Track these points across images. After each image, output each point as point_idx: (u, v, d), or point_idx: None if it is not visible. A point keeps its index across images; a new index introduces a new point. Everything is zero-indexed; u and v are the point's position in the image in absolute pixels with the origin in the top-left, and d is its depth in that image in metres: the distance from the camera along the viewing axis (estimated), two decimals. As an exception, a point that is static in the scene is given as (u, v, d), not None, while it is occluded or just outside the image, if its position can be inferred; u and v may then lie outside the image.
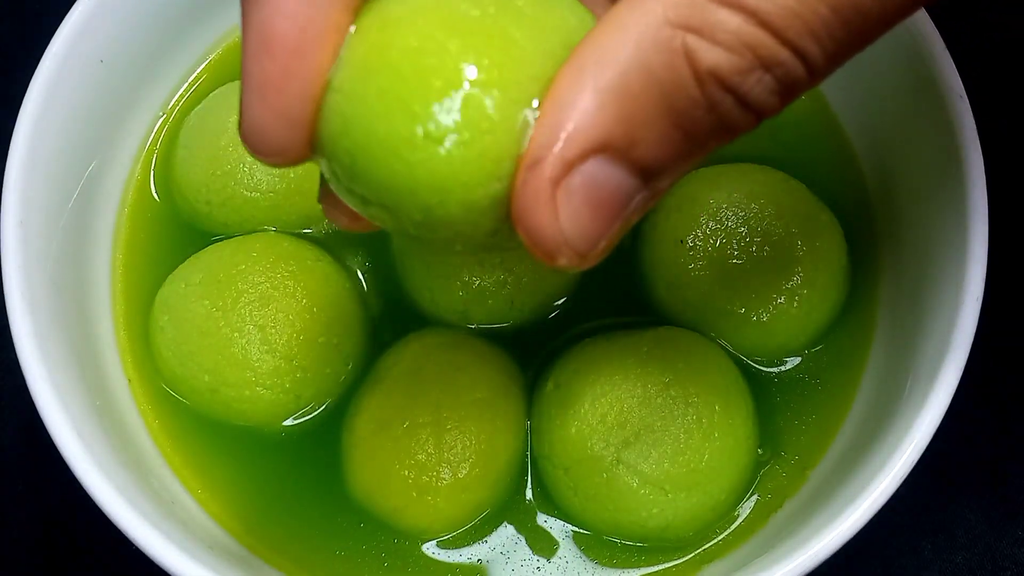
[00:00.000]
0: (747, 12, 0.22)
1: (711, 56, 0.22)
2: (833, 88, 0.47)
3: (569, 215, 0.23)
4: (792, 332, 0.43)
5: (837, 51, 0.23)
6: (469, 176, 0.24)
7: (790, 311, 0.42)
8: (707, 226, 0.43)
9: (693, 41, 0.22)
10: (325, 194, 0.29)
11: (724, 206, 0.43)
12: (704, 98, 0.23)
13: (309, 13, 0.24)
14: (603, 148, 0.23)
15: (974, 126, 0.39)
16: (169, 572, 0.34)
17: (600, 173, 0.23)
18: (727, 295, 0.42)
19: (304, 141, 0.25)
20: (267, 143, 0.25)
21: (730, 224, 0.43)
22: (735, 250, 0.42)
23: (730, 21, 0.22)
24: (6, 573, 0.48)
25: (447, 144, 0.23)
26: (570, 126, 0.23)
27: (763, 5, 0.22)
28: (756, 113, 0.24)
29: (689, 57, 0.22)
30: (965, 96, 0.39)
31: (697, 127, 0.23)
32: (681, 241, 0.43)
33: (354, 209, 0.27)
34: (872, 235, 0.45)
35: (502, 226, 0.25)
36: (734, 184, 0.44)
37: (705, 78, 0.23)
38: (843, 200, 0.45)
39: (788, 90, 0.24)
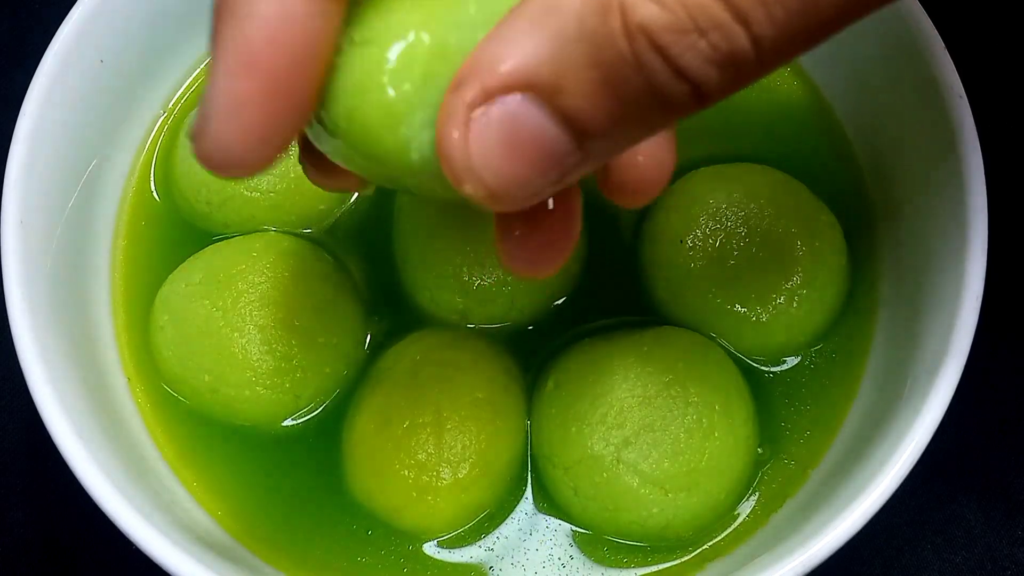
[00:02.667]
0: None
1: (643, 11, 0.21)
2: (833, 88, 0.47)
3: (480, 144, 0.23)
4: (792, 332, 0.43)
5: (789, 25, 0.22)
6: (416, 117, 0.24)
7: (790, 311, 0.42)
8: (707, 226, 0.43)
9: (627, 3, 0.22)
10: (305, 154, 0.29)
11: (724, 206, 0.43)
12: (632, 54, 0.22)
13: (293, 30, 0.24)
14: (526, 86, 0.23)
15: (974, 126, 0.39)
16: (169, 571, 0.34)
17: (521, 111, 0.23)
18: (727, 295, 0.42)
19: (275, 156, 0.25)
20: (234, 161, 0.24)
21: (730, 224, 0.43)
22: (735, 250, 0.42)
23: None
24: (6, 573, 0.48)
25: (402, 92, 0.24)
26: (496, 57, 0.23)
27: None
28: (690, 83, 0.22)
29: (622, 9, 0.22)
30: (964, 96, 0.39)
31: (626, 87, 0.22)
32: (681, 241, 0.43)
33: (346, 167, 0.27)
34: (872, 235, 0.45)
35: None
36: (734, 184, 0.44)
37: (635, 33, 0.22)
38: (843, 200, 0.45)
39: (728, 61, 0.22)
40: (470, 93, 0.23)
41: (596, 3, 0.22)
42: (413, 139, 0.25)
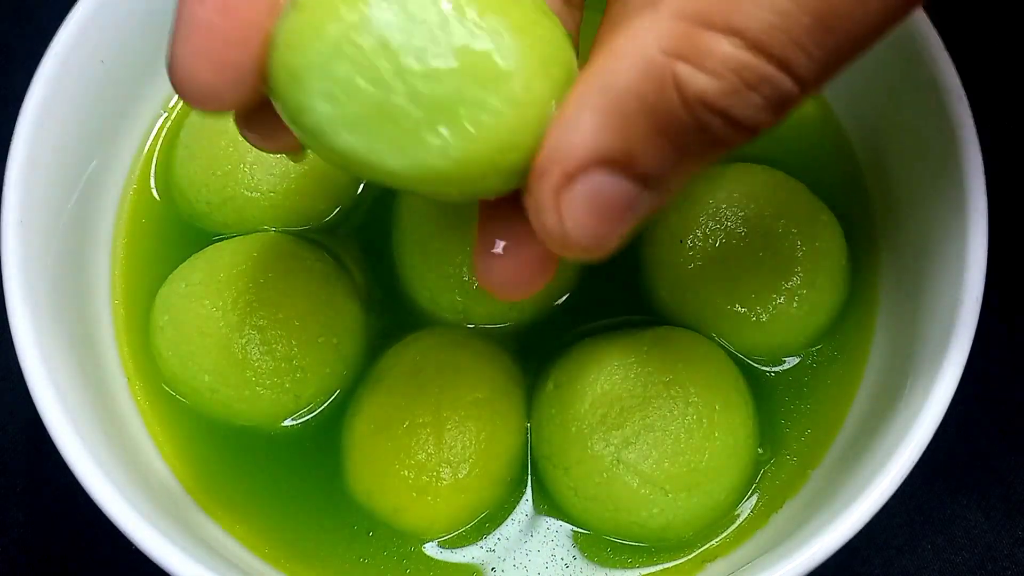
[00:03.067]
0: (735, 34, 0.23)
1: (698, 83, 0.24)
2: (833, 88, 0.47)
3: (573, 220, 0.26)
4: (792, 332, 0.43)
5: (826, 59, 0.24)
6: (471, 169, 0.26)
7: (790, 311, 0.42)
8: (707, 226, 0.43)
9: (682, 69, 0.24)
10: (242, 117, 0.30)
11: (724, 206, 0.43)
12: (693, 121, 0.24)
13: None
14: (602, 162, 0.25)
15: (973, 126, 0.39)
16: (169, 572, 0.34)
17: (603, 184, 0.26)
18: (727, 295, 0.42)
19: (239, 88, 0.26)
20: (200, 87, 0.26)
21: (730, 224, 0.43)
22: (735, 250, 0.42)
23: (718, 47, 0.24)
24: (6, 573, 0.48)
25: (445, 136, 0.25)
26: (570, 144, 0.25)
27: (750, 25, 0.23)
28: (747, 129, 0.25)
29: (678, 85, 0.24)
30: (964, 96, 0.39)
31: (689, 145, 0.25)
32: (681, 241, 0.43)
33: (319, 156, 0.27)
34: (872, 235, 0.45)
35: (487, 187, 0.27)
36: (734, 184, 0.44)
37: (693, 104, 0.24)
38: (843, 200, 0.45)
39: (778, 104, 0.25)
40: (555, 180, 0.26)
41: (651, 80, 0.24)
42: (310, 107, 0.26)
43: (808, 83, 0.25)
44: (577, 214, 0.26)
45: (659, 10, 0.24)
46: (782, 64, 0.24)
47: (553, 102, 0.26)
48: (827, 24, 0.24)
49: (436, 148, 0.25)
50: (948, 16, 0.42)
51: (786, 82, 0.24)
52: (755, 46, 0.23)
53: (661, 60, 0.24)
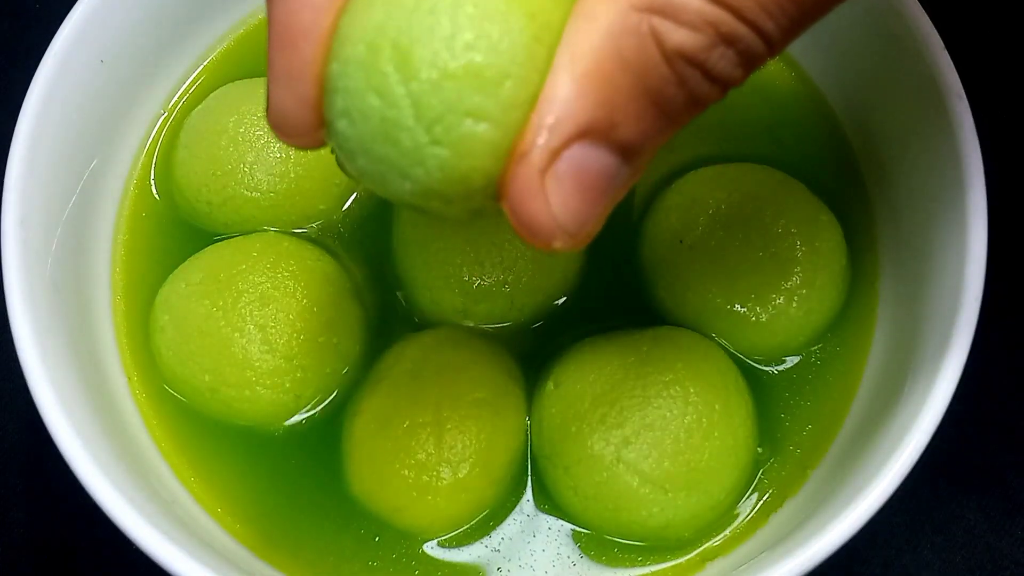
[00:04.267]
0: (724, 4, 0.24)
1: (677, 36, 0.24)
2: (832, 88, 0.47)
3: (560, 201, 0.25)
4: (792, 332, 0.43)
5: (790, 25, 0.25)
6: (461, 167, 0.26)
7: (789, 311, 0.42)
8: (707, 226, 0.43)
9: (659, 23, 0.24)
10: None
11: (724, 206, 0.43)
12: (674, 75, 0.24)
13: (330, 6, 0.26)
14: (586, 133, 0.25)
15: (973, 125, 0.39)
16: (169, 572, 0.34)
17: (585, 157, 0.25)
18: (727, 295, 0.42)
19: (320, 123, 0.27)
20: (293, 126, 0.27)
21: (730, 224, 0.43)
22: (735, 250, 0.42)
23: (691, 2, 0.24)
24: (6, 573, 0.48)
25: (435, 135, 0.25)
26: (552, 117, 0.24)
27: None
28: (722, 84, 0.25)
29: (656, 38, 0.24)
30: (964, 95, 0.39)
31: (670, 102, 0.25)
32: (681, 241, 0.43)
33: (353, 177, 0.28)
34: (872, 235, 0.45)
35: (489, 203, 0.27)
36: (734, 184, 0.44)
37: (673, 56, 0.24)
38: (843, 200, 0.45)
39: (749, 62, 0.25)
40: (538, 160, 0.25)
41: (628, 37, 0.24)
42: (334, 129, 0.27)
43: (776, 44, 0.25)
44: (564, 195, 0.25)
45: None
46: (753, 26, 0.25)
47: (539, 79, 0.25)
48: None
49: (435, 167, 0.25)
50: (947, 15, 0.42)
51: (757, 43, 0.25)
52: (724, 5, 0.24)
53: (636, 17, 0.24)
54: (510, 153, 0.25)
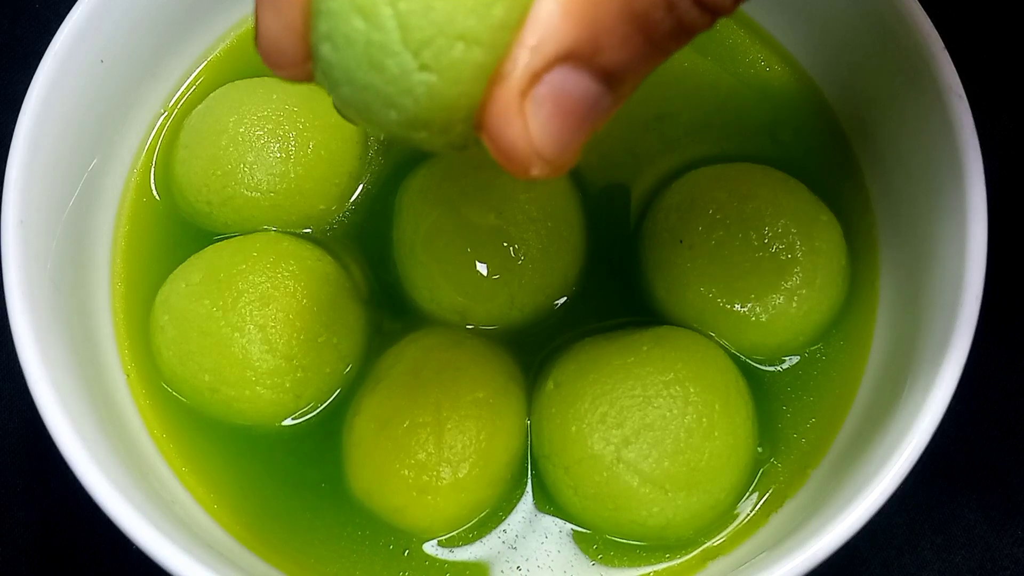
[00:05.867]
0: None
1: None
2: (832, 88, 0.47)
3: (539, 125, 0.24)
4: (792, 331, 0.43)
5: None
6: (445, 93, 0.24)
7: (789, 311, 0.42)
8: (707, 226, 0.43)
9: None
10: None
11: (724, 206, 0.43)
12: (663, 1, 0.23)
13: None
14: (568, 56, 0.24)
15: (973, 125, 0.39)
16: (169, 571, 0.34)
17: (567, 81, 0.24)
18: (727, 295, 0.42)
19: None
20: (281, 54, 0.26)
21: (730, 224, 0.43)
22: (735, 250, 0.42)
23: None
24: (6, 573, 0.48)
25: (424, 59, 0.24)
26: (534, 38, 0.23)
27: None
28: (711, 12, 0.24)
29: None
30: (964, 95, 0.39)
31: (657, 29, 0.24)
32: (681, 241, 0.43)
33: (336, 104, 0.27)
34: (872, 235, 0.45)
35: (474, 133, 0.26)
36: (734, 184, 0.44)
37: None
38: (843, 200, 0.45)
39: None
40: (518, 82, 0.24)
41: None
42: (318, 54, 0.25)
43: None
44: (543, 120, 0.24)
45: None
46: None
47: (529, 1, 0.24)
48: None
49: (424, 94, 0.24)
50: (947, 15, 0.42)
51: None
52: None
53: None
54: (492, 75, 0.24)
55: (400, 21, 0.24)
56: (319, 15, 0.25)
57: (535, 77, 0.24)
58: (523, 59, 0.24)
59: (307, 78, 0.27)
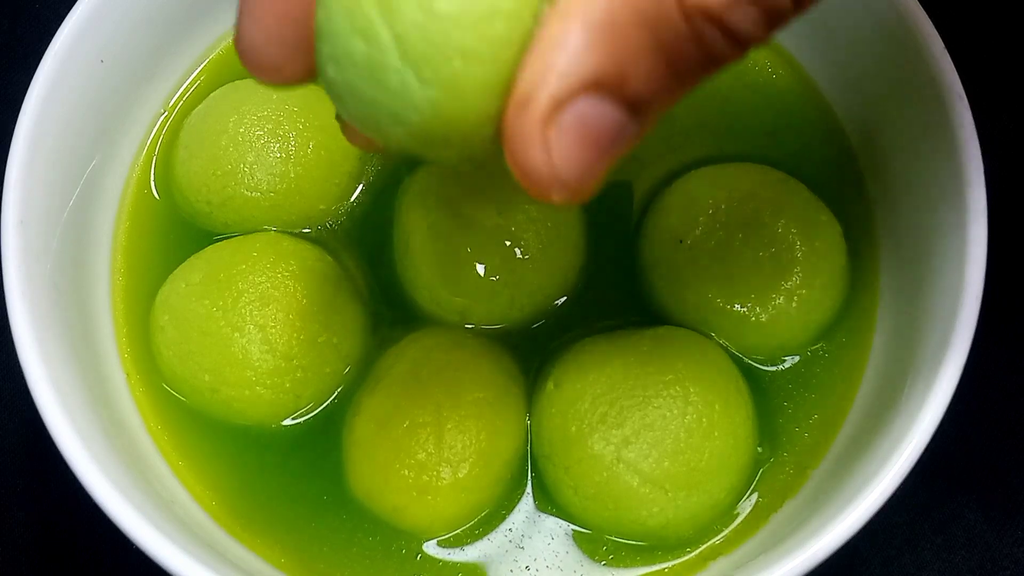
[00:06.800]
0: None
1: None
2: (833, 88, 0.47)
3: (561, 153, 0.24)
4: (792, 331, 0.43)
5: None
6: (455, 109, 0.24)
7: (789, 311, 0.42)
8: (707, 226, 0.43)
9: None
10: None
11: (724, 206, 0.43)
12: (691, 32, 0.23)
13: None
14: (594, 85, 0.23)
15: (973, 125, 0.39)
16: (169, 571, 0.34)
17: (591, 110, 0.24)
18: (727, 295, 0.42)
19: (293, 60, 0.27)
20: (259, 59, 0.27)
21: (730, 224, 0.43)
22: (735, 250, 0.42)
23: None
24: (6, 573, 0.48)
25: (424, 75, 0.24)
26: (560, 65, 0.23)
27: None
28: (742, 44, 0.24)
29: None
30: (964, 96, 0.39)
31: (685, 60, 0.24)
32: (681, 241, 0.43)
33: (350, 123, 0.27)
34: (872, 235, 0.45)
35: (489, 146, 0.26)
36: (734, 184, 0.44)
37: (692, 12, 0.23)
38: (843, 200, 0.45)
39: (773, 20, 0.24)
40: (541, 110, 0.23)
41: None
42: (323, 74, 0.26)
43: (801, 3, 0.24)
44: (566, 147, 0.24)
45: None
46: None
47: (531, 18, 0.24)
48: None
49: (427, 109, 0.24)
50: (948, 16, 0.42)
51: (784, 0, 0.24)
52: None
53: None
54: (510, 95, 0.24)
55: (398, 40, 0.24)
56: (321, 37, 0.25)
57: (559, 105, 0.23)
58: (547, 87, 0.23)
59: (285, 83, 0.27)
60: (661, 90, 0.24)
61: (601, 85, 0.23)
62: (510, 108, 0.24)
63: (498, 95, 0.24)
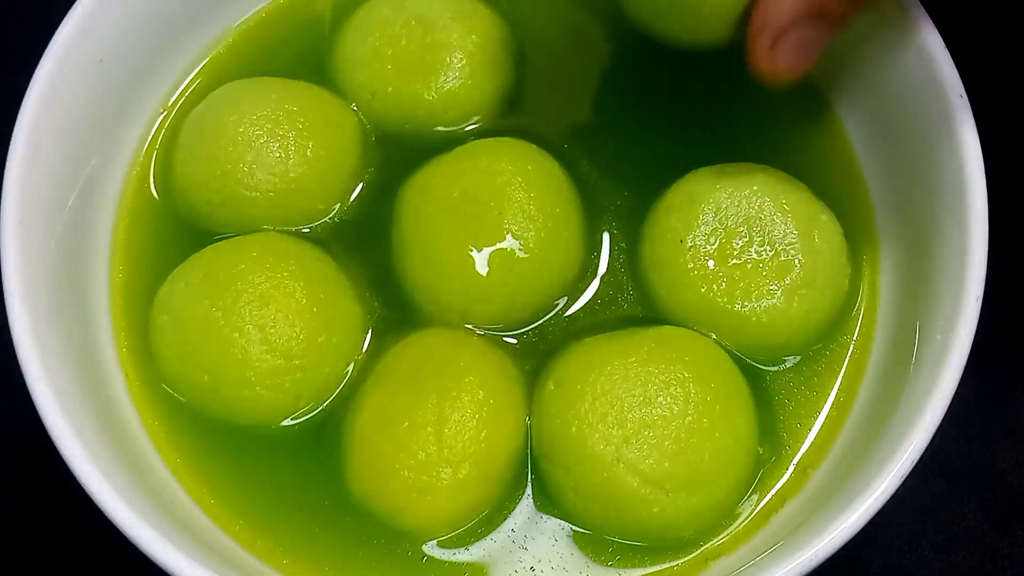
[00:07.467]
0: None
1: None
2: (833, 87, 0.47)
3: (784, 59, 0.38)
4: (792, 332, 0.43)
5: None
6: None
7: (790, 311, 0.42)
8: (707, 226, 0.43)
9: None
10: None
11: (724, 206, 0.43)
12: None
13: None
14: (805, 15, 0.37)
15: (974, 125, 0.39)
16: (168, 572, 0.34)
17: (804, 32, 0.38)
18: (727, 295, 0.42)
19: None
20: None
21: (730, 224, 0.43)
22: (735, 250, 0.42)
23: None
24: (6, 573, 0.48)
25: None
26: (778, 9, 0.38)
27: None
28: None
29: None
30: (965, 95, 0.39)
31: None
32: (681, 241, 0.43)
33: None
34: (872, 235, 0.45)
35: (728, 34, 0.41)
36: (734, 184, 0.44)
37: None
38: (843, 200, 0.45)
39: None
40: (768, 39, 0.38)
41: None
42: None
43: None
44: (786, 57, 0.38)
45: None
46: None
47: None
48: None
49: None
50: (949, 16, 0.42)
51: None
52: None
53: None
54: (749, 28, 0.38)
55: None
56: None
57: (780, 31, 0.38)
58: (771, 20, 0.37)
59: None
60: (847, 9, 0.38)
61: (809, 13, 0.37)
62: (749, 33, 0.38)
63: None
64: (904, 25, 0.41)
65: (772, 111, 0.48)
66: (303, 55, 0.50)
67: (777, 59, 0.38)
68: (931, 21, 0.41)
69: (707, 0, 0.39)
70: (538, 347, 0.44)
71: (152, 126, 0.48)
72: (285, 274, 0.42)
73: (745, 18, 0.39)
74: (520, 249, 0.43)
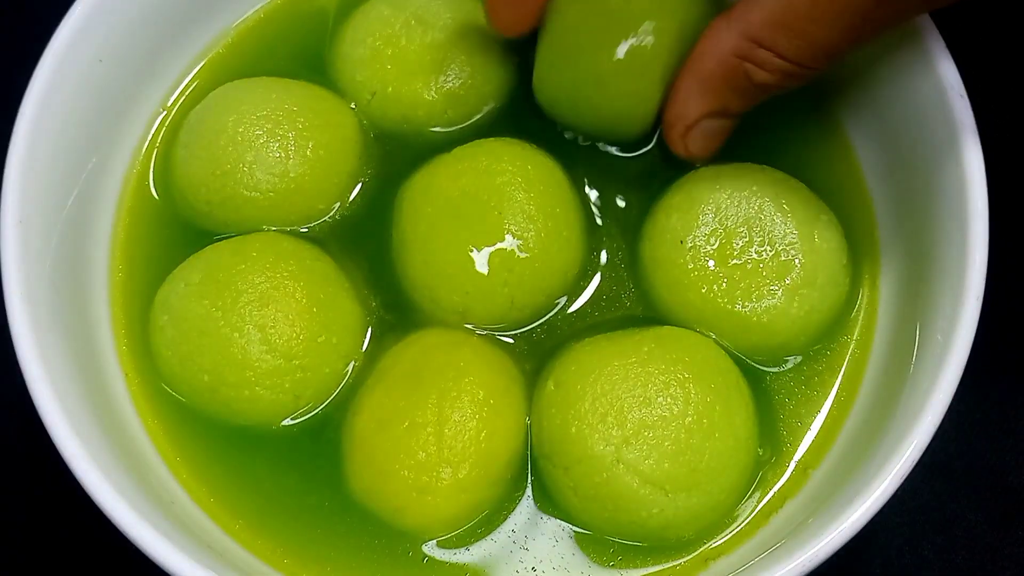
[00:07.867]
0: (779, 56, 0.39)
1: (761, 76, 0.40)
2: (833, 88, 0.47)
3: (695, 146, 0.43)
4: (792, 332, 0.43)
5: (838, 56, 0.39)
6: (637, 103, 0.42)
7: (790, 311, 0.42)
8: (707, 226, 0.43)
9: (750, 68, 0.40)
10: None
11: (724, 206, 0.43)
12: (758, 89, 0.41)
13: None
14: (708, 114, 0.42)
15: (974, 125, 0.39)
16: (168, 572, 0.34)
17: (709, 124, 0.43)
18: (727, 295, 0.42)
19: (530, 19, 0.43)
20: (504, 24, 0.44)
21: (730, 224, 0.43)
22: (735, 250, 0.42)
23: (769, 58, 0.39)
24: (5, 573, 0.48)
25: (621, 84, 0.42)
26: (687, 109, 0.42)
27: (787, 50, 0.39)
28: (784, 88, 0.41)
29: (748, 75, 0.40)
30: (965, 95, 0.39)
31: (752, 96, 0.42)
32: (681, 241, 0.43)
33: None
34: (872, 235, 0.45)
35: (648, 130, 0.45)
36: (734, 184, 0.44)
37: (758, 84, 0.40)
38: (843, 200, 0.45)
39: (804, 80, 0.41)
40: (679, 132, 0.43)
41: (730, 71, 0.40)
42: None
43: (822, 69, 0.40)
44: (696, 143, 0.43)
45: (730, 25, 0.40)
46: (810, 67, 0.39)
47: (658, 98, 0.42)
48: (839, 41, 0.38)
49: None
50: (949, 16, 0.42)
51: (808, 74, 0.40)
52: (790, 60, 0.39)
53: (735, 62, 0.40)
54: (663, 123, 0.44)
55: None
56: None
57: (688, 127, 0.43)
58: (682, 117, 0.42)
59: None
60: (745, 104, 0.42)
61: (712, 112, 0.42)
62: (664, 126, 0.44)
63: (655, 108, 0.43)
64: (905, 27, 0.41)
65: (772, 112, 0.48)
66: (302, 55, 0.50)
67: (689, 146, 0.43)
68: (932, 21, 0.41)
69: (623, 105, 0.43)
70: (538, 347, 0.44)
71: (152, 126, 0.48)
72: (285, 274, 0.42)
73: (659, 117, 0.43)
74: (520, 249, 0.43)
